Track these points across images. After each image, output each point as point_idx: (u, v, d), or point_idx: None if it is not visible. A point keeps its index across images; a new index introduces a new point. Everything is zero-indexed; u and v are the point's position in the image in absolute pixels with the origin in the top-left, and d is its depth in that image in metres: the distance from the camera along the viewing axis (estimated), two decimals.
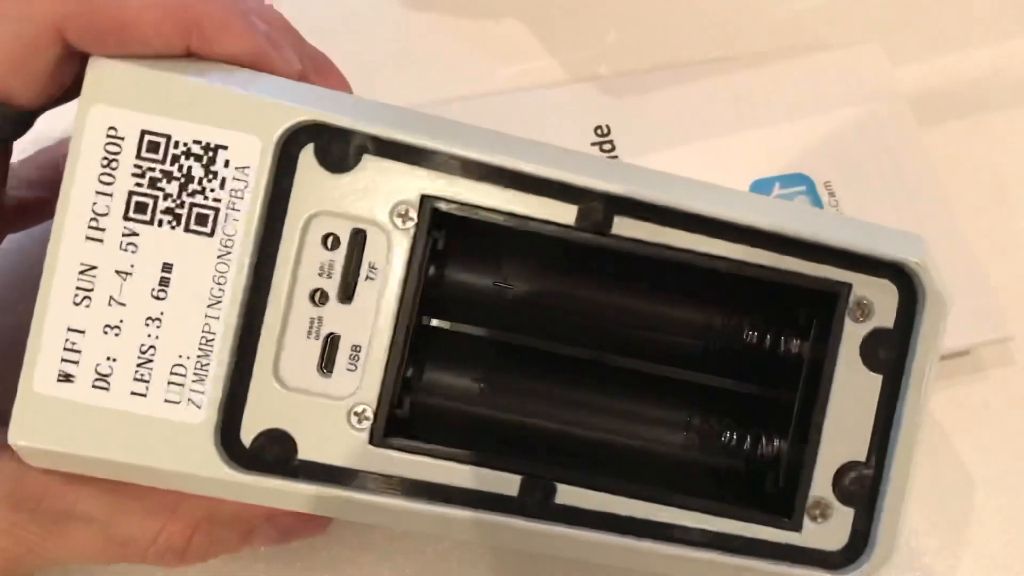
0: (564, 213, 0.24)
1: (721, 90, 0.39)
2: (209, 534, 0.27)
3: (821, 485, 0.25)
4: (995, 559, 0.35)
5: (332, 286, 0.24)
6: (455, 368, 0.28)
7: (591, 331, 0.27)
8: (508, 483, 0.24)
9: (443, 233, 0.25)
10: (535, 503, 0.24)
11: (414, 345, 0.25)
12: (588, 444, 0.27)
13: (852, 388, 0.25)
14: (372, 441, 0.24)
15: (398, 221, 0.24)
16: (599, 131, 0.37)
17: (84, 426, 0.23)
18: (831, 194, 0.39)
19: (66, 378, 0.23)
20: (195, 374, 0.23)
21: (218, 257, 0.23)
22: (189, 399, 0.24)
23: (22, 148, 0.31)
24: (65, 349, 0.23)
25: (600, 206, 0.24)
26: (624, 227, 0.24)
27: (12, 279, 0.32)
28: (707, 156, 0.37)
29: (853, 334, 0.25)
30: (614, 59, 0.40)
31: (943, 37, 0.43)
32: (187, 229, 0.23)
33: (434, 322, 0.27)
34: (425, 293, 0.25)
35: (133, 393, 0.23)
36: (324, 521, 0.29)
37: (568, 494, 0.24)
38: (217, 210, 0.23)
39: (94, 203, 0.23)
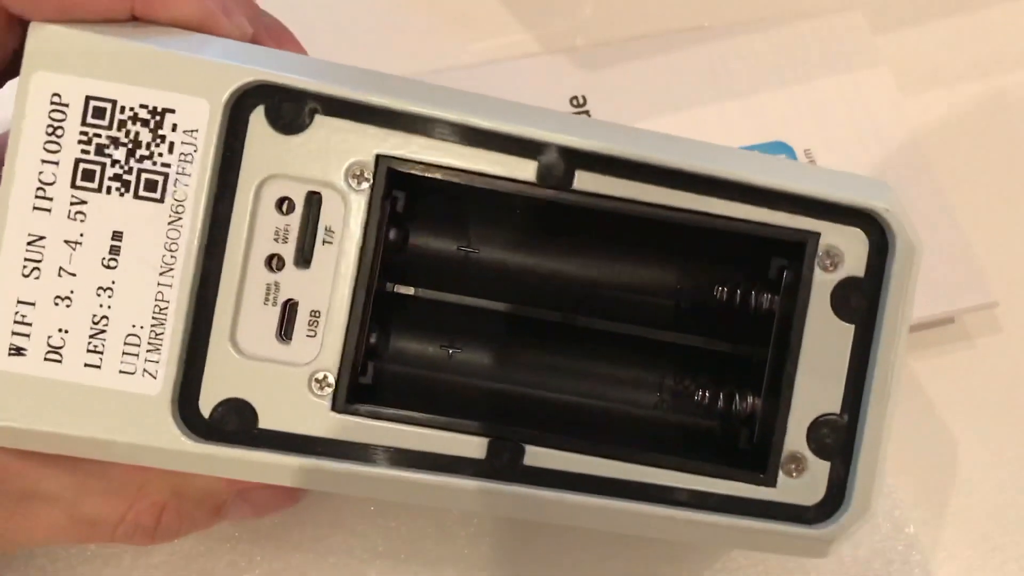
0: (524, 169, 0.24)
1: (699, 60, 0.39)
2: (179, 511, 0.27)
3: (795, 439, 0.24)
4: (980, 530, 0.34)
5: (288, 251, 0.23)
6: (422, 335, 0.27)
7: (560, 293, 0.27)
8: (476, 446, 0.24)
9: (403, 195, 0.25)
10: (503, 465, 0.24)
11: (379, 312, 0.24)
12: (561, 408, 0.27)
13: (824, 339, 0.24)
14: (334, 407, 0.23)
15: (353, 182, 0.23)
16: (575, 102, 0.37)
17: (37, 400, 0.23)
18: (811, 161, 0.38)
19: (17, 351, 0.23)
20: (149, 344, 0.23)
21: (169, 223, 0.23)
22: (144, 369, 0.23)
23: None
24: (15, 322, 0.23)
25: (560, 161, 0.23)
26: (586, 182, 0.24)
27: None
28: (685, 126, 0.37)
29: (823, 284, 0.24)
30: (590, 32, 0.40)
31: (924, 4, 0.43)
32: (136, 195, 0.23)
33: (399, 289, 0.27)
34: (388, 258, 0.24)
35: (87, 365, 0.23)
36: (296, 493, 0.29)
37: (537, 455, 0.24)
38: (166, 175, 0.23)
39: (40, 172, 0.23)
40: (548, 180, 0.23)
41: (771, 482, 0.24)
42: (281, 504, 0.29)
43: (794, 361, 0.24)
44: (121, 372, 0.23)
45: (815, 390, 0.24)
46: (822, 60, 0.40)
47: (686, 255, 0.27)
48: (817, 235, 0.24)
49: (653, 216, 0.24)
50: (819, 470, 0.24)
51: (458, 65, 0.37)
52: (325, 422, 0.23)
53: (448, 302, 0.26)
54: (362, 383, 0.25)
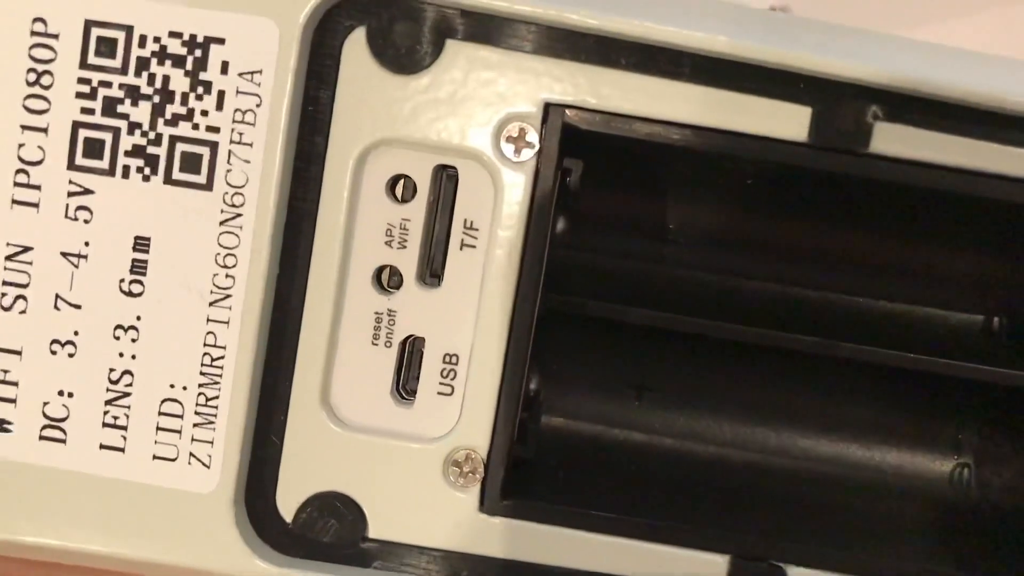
0: (788, 122, 0.15)
1: None
2: None
3: None
4: None
5: (408, 260, 0.15)
6: (596, 371, 0.19)
7: (807, 307, 0.18)
8: (707, 568, 0.15)
9: (579, 164, 0.16)
10: None
11: (536, 341, 0.16)
12: (809, 483, 0.18)
13: None
14: (484, 507, 0.15)
15: (508, 149, 0.15)
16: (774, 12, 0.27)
17: (32, 499, 0.15)
18: None
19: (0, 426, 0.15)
20: (198, 414, 0.15)
21: (221, 224, 0.15)
22: (191, 454, 0.15)
23: None
24: None
25: (851, 107, 0.14)
26: (890, 140, 0.15)
27: None
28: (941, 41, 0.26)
29: None
30: None
31: None
32: (169, 179, 0.15)
33: (561, 302, 0.18)
34: (551, 261, 0.16)
35: (103, 447, 0.15)
36: None
37: None
38: (214, 145, 0.15)
39: (20, 144, 0.15)
40: (830, 139, 0.14)
41: None
42: None
43: None
44: (156, 458, 0.15)
45: None
46: None
47: (1009, 250, 0.17)
48: None
49: (986, 195, 0.15)
50: None
51: None
52: (470, 529, 0.15)
53: (632, 322, 0.18)
54: (520, 457, 0.16)
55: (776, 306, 0.18)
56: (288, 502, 0.15)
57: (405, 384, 0.16)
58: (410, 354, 0.16)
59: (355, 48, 0.15)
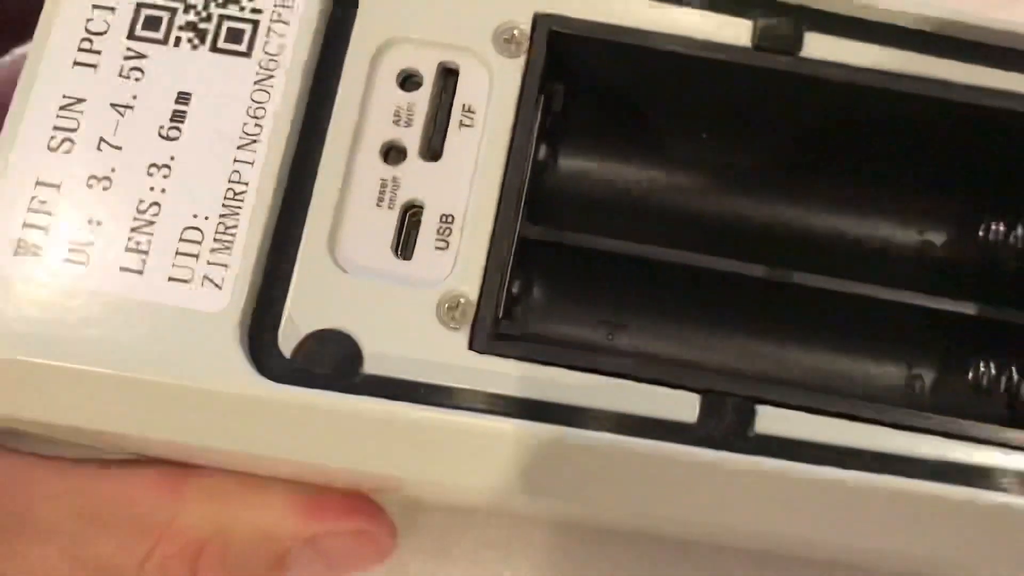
0: (733, 31, 0.18)
1: None
2: (223, 558, 0.19)
3: None
4: None
5: (412, 137, 0.17)
6: (571, 303, 0.20)
7: (765, 239, 0.20)
8: (681, 404, 0.16)
9: (561, 89, 0.18)
10: (725, 430, 0.16)
11: (518, 259, 0.18)
12: None
13: None
14: (474, 345, 0.16)
15: (504, 47, 0.17)
16: None
17: (49, 318, 0.16)
18: None
19: (29, 249, 0.16)
20: (216, 240, 0.16)
21: (256, 84, 0.17)
22: (205, 276, 0.16)
23: None
24: (30, 210, 0.16)
25: (786, 17, 0.17)
26: (819, 47, 0.17)
27: None
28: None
29: None
30: None
31: None
32: (214, 48, 0.17)
33: (538, 233, 0.20)
34: (530, 187, 0.18)
35: (123, 269, 0.16)
36: (387, 544, 0.20)
37: (772, 419, 0.16)
38: (256, 24, 0.17)
39: (88, 19, 0.17)
40: (768, 43, 0.17)
41: None
42: (365, 559, 0.21)
43: None
44: (171, 280, 0.16)
45: None
46: None
47: (950, 175, 0.20)
48: None
49: (906, 92, 0.17)
50: None
51: None
52: (460, 366, 0.16)
53: (607, 251, 0.19)
54: (509, 307, 0.17)
55: (738, 236, 0.20)
56: (289, 337, 0.16)
57: (404, 242, 0.17)
58: (410, 217, 0.17)
59: None
